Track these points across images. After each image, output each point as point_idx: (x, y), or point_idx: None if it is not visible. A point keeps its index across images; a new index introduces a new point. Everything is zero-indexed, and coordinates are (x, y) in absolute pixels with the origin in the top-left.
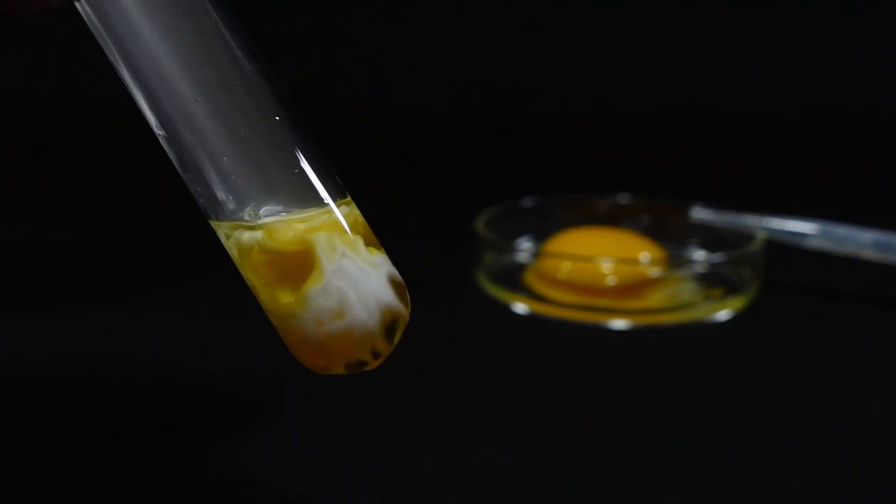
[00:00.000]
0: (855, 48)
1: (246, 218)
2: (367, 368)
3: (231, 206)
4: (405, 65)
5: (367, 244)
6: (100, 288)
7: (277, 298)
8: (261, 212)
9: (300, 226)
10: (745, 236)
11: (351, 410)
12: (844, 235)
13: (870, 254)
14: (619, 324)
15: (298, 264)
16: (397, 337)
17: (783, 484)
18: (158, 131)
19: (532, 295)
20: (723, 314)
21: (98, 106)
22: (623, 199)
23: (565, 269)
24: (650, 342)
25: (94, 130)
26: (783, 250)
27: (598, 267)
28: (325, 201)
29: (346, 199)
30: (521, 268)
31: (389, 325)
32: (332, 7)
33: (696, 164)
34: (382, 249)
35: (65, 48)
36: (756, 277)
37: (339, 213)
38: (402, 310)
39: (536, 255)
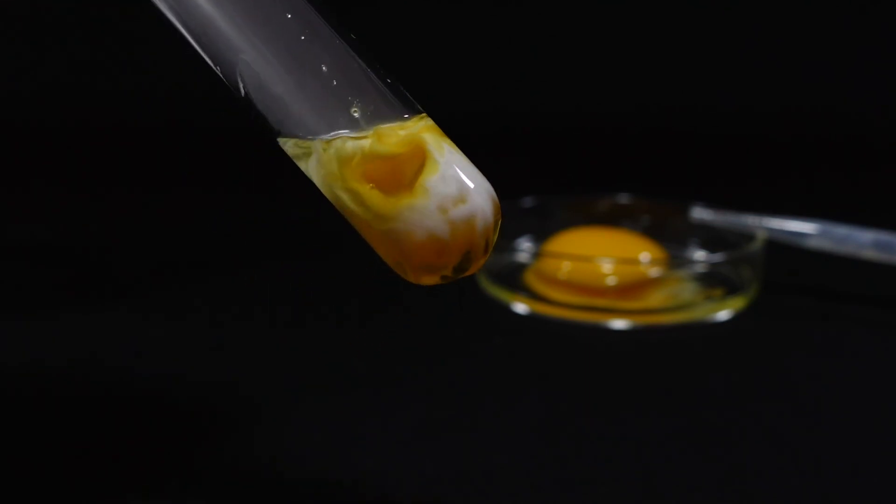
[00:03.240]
0: (855, 48)
1: (345, 130)
2: (469, 272)
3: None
4: (405, 65)
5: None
6: (100, 288)
7: (390, 198)
8: (361, 119)
9: (403, 131)
10: (745, 236)
11: (351, 410)
12: (844, 235)
13: (870, 254)
14: (619, 324)
15: (411, 162)
16: (495, 237)
17: (783, 484)
18: (245, 56)
19: (532, 295)
20: (723, 314)
21: (98, 106)
22: (623, 199)
23: (565, 269)
24: (650, 342)
25: (95, 131)
26: (783, 250)
27: (598, 267)
28: (418, 108)
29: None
30: (521, 268)
31: (496, 221)
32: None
33: (696, 164)
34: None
35: (65, 49)
36: (756, 277)
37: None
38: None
39: (536, 255)
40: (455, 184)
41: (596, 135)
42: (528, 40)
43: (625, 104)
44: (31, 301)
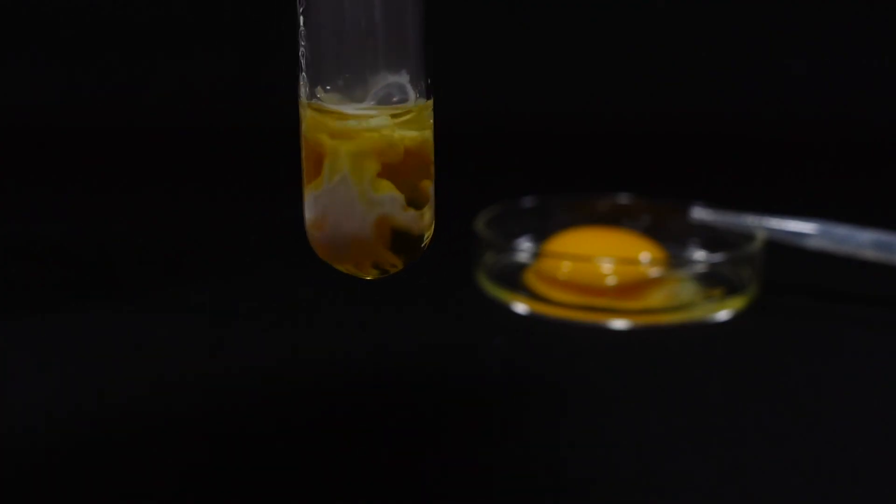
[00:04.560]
0: (855, 49)
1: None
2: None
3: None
4: None
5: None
6: (100, 288)
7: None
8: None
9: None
10: (745, 236)
11: (351, 410)
12: (844, 235)
13: (870, 254)
14: (619, 324)
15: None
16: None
17: (783, 484)
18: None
19: (532, 295)
20: (723, 314)
21: (98, 107)
22: (623, 199)
23: (565, 269)
24: (650, 342)
25: (95, 131)
26: (783, 250)
27: (598, 267)
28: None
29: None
30: (521, 268)
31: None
32: None
33: (696, 164)
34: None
35: (66, 50)
36: (756, 277)
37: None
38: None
39: (536, 255)
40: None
41: (596, 135)
42: (528, 40)
43: (625, 105)
44: (31, 301)
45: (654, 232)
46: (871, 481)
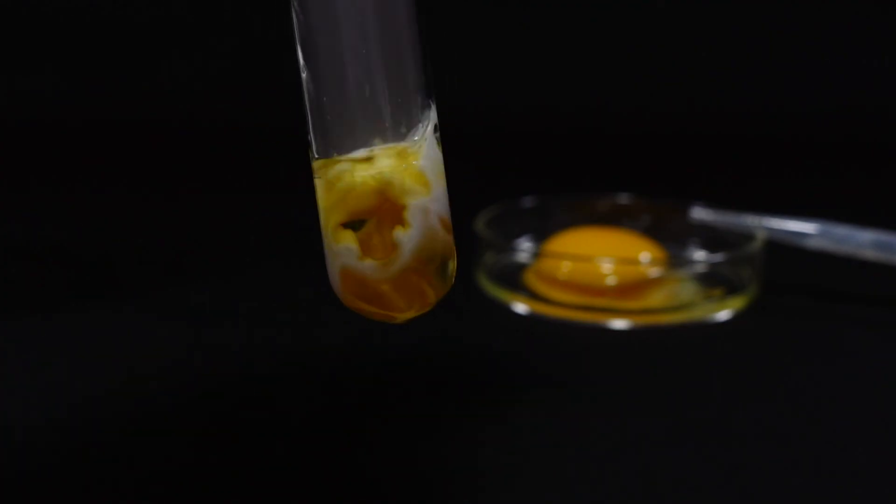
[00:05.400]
0: (855, 48)
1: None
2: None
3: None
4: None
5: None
6: (100, 288)
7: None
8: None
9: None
10: (745, 236)
11: (351, 411)
12: (844, 235)
13: (870, 254)
14: (619, 324)
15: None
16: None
17: (783, 484)
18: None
19: (532, 295)
20: (723, 314)
21: (99, 107)
22: (623, 199)
23: (565, 269)
24: (650, 342)
25: (95, 131)
26: (783, 250)
27: (598, 267)
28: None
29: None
30: (521, 268)
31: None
32: None
33: (696, 164)
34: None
35: (66, 49)
36: (756, 277)
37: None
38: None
39: (536, 255)
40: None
41: (596, 135)
42: (528, 40)
43: (625, 104)
44: (31, 301)
45: (654, 232)
46: (871, 481)
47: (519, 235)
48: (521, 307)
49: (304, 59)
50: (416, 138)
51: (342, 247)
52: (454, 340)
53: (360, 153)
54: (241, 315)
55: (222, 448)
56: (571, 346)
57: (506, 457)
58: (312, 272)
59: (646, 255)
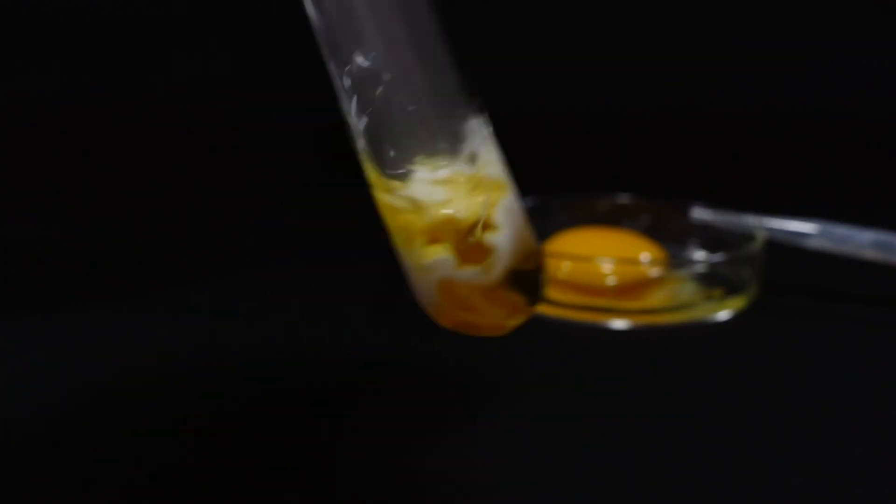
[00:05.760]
0: (855, 48)
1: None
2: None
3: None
4: None
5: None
6: (100, 288)
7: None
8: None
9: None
10: (745, 236)
11: (350, 410)
12: (844, 235)
13: (870, 254)
14: (619, 324)
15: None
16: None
17: (783, 484)
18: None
19: None
20: (723, 314)
21: (98, 106)
22: (623, 199)
23: (565, 269)
24: (650, 342)
25: (95, 131)
26: (783, 250)
27: (598, 267)
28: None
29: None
30: None
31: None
32: None
33: (696, 164)
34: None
35: (67, 49)
36: (756, 277)
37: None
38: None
39: None
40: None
41: (596, 135)
42: (528, 40)
43: (625, 104)
44: (30, 301)
45: (654, 232)
46: (871, 481)
47: None
48: None
49: (342, 75)
50: (473, 150)
51: (436, 260)
52: (454, 340)
53: (433, 175)
54: (241, 315)
55: (222, 448)
56: (571, 346)
57: (506, 457)
58: (312, 273)
59: (646, 255)
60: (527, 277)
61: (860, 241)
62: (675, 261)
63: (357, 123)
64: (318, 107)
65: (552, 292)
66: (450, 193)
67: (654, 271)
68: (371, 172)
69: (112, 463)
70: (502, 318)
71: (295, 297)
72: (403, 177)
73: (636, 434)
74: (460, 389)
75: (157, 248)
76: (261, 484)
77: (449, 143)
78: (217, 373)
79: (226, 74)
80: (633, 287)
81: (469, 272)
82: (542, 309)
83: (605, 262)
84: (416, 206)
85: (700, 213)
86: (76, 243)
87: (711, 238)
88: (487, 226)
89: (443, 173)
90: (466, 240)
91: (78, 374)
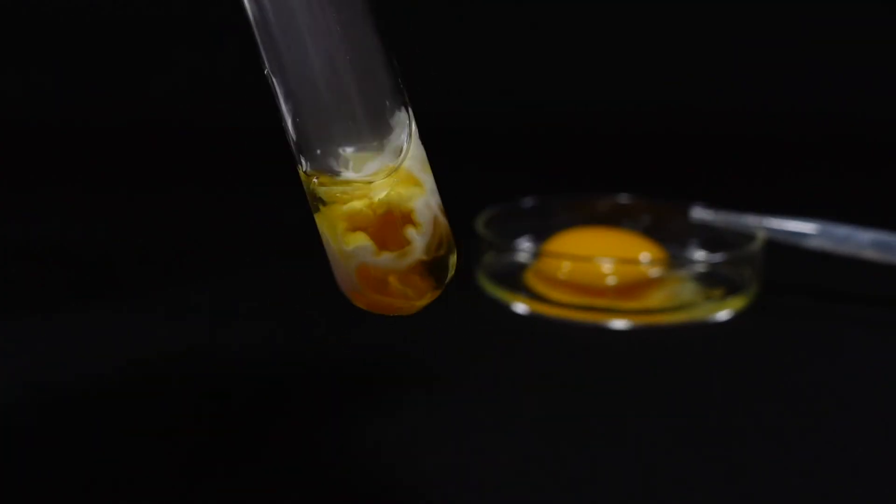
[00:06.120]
0: (855, 48)
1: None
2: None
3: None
4: (405, 65)
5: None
6: (100, 288)
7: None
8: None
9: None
10: (745, 236)
11: (351, 411)
12: (844, 235)
13: (870, 254)
14: (619, 324)
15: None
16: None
17: (783, 484)
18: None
19: (532, 295)
20: (723, 314)
21: (99, 107)
22: (623, 199)
23: (565, 269)
24: (650, 342)
25: (95, 131)
26: (783, 250)
27: (598, 267)
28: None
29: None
30: (521, 268)
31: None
32: None
33: (696, 164)
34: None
35: (67, 50)
36: (756, 277)
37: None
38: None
39: (536, 255)
40: None
41: (596, 135)
42: (528, 40)
43: (625, 104)
44: (31, 301)
45: (654, 232)
46: (871, 481)
47: (519, 235)
48: (521, 307)
49: (272, 72)
50: (400, 145)
51: (357, 247)
52: (454, 340)
53: (353, 176)
54: (241, 315)
55: (222, 448)
56: (571, 346)
57: (506, 456)
58: (312, 273)
59: (646, 255)
60: (438, 263)
61: (860, 241)
62: (675, 261)
63: (286, 118)
64: None
65: (552, 292)
66: (374, 186)
67: (654, 271)
68: (299, 166)
69: (112, 463)
70: (415, 299)
71: (295, 296)
72: (330, 170)
73: (636, 434)
74: (460, 389)
75: (157, 248)
76: (261, 484)
77: (375, 137)
78: (217, 373)
79: (226, 74)
80: (633, 287)
81: (386, 258)
82: (543, 309)
83: (605, 262)
84: (341, 197)
85: (700, 213)
86: (76, 243)
87: (711, 238)
88: (406, 220)
89: (368, 167)
90: (386, 230)
91: (78, 374)
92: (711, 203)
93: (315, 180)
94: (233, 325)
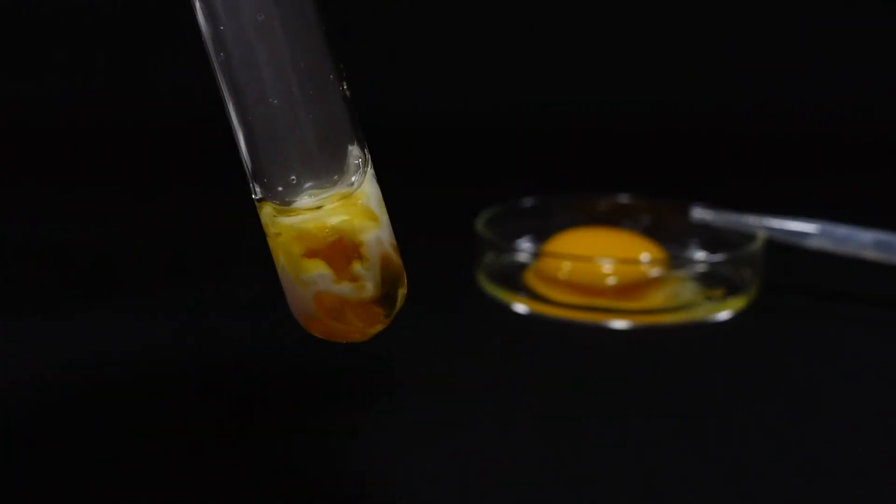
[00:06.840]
0: (855, 48)
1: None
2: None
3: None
4: (405, 64)
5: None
6: (100, 288)
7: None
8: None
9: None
10: (745, 236)
11: (351, 411)
12: (845, 235)
13: (870, 254)
14: (619, 324)
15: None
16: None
17: (783, 484)
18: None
19: (532, 295)
20: (723, 314)
21: (99, 107)
22: (623, 199)
23: (565, 269)
24: (650, 342)
25: (95, 131)
26: (783, 250)
27: (598, 267)
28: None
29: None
30: (521, 268)
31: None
32: (334, 6)
33: (696, 164)
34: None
35: (66, 50)
36: (756, 277)
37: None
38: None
39: (536, 255)
40: None
41: (596, 135)
42: (528, 40)
43: (625, 104)
44: (31, 301)
45: (654, 232)
46: (871, 481)
47: (519, 235)
48: (521, 307)
49: (226, 99)
50: (354, 179)
51: (315, 275)
52: (454, 340)
53: (308, 202)
54: (242, 315)
55: (222, 448)
56: (571, 346)
57: (505, 456)
58: None
59: (646, 255)
60: (387, 297)
61: (861, 241)
62: (675, 261)
63: (243, 149)
64: None
65: (552, 292)
66: (325, 211)
67: (654, 271)
68: (253, 194)
69: (112, 463)
70: (367, 327)
71: None
72: (281, 199)
73: (636, 434)
74: (460, 389)
75: (157, 248)
76: (261, 484)
77: (329, 171)
78: (217, 372)
79: None
80: (633, 287)
81: (345, 288)
82: (543, 309)
83: (605, 262)
84: (297, 228)
85: (700, 213)
86: (76, 243)
87: (711, 238)
88: (354, 253)
89: (322, 197)
90: (335, 259)
91: (78, 374)
92: (711, 203)
93: (267, 209)
94: (233, 326)
